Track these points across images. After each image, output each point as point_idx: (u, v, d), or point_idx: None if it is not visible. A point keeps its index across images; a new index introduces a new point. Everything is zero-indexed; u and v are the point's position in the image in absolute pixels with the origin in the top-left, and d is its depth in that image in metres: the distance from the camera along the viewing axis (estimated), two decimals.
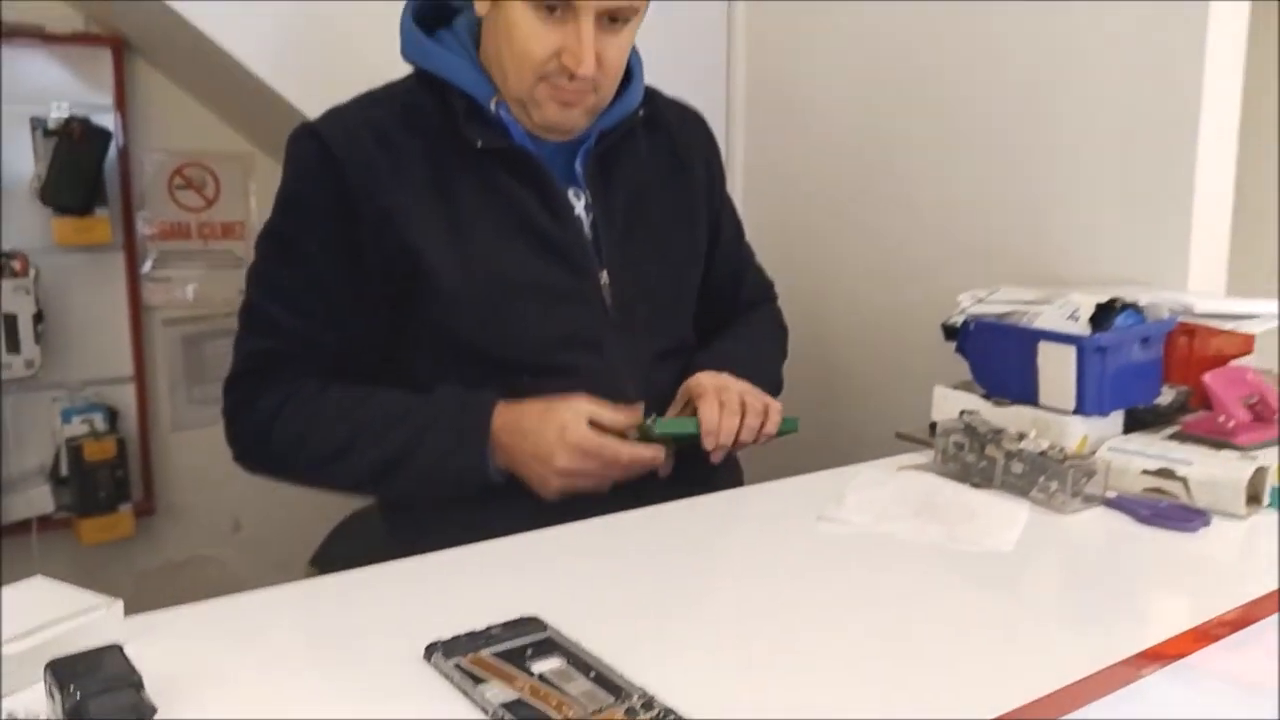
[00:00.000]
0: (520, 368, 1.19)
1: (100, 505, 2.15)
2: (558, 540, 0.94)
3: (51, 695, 0.62)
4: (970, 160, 1.68)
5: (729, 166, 2.06)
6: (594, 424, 1.12)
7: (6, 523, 2.14)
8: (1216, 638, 0.75)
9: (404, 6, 1.25)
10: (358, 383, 1.20)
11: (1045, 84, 1.56)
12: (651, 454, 1.13)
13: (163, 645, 0.70)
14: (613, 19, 1.13)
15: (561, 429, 1.11)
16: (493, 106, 1.19)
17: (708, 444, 1.15)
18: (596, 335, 1.22)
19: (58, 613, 0.69)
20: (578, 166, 1.24)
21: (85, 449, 2.13)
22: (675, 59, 1.84)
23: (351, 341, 1.21)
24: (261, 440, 1.20)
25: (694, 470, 1.18)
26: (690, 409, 1.19)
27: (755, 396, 1.21)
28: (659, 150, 1.32)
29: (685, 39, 2.03)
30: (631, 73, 1.26)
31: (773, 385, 1.35)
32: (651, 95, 1.32)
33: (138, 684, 0.62)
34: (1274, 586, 0.83)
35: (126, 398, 2.26)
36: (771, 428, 1.20)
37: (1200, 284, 1.42)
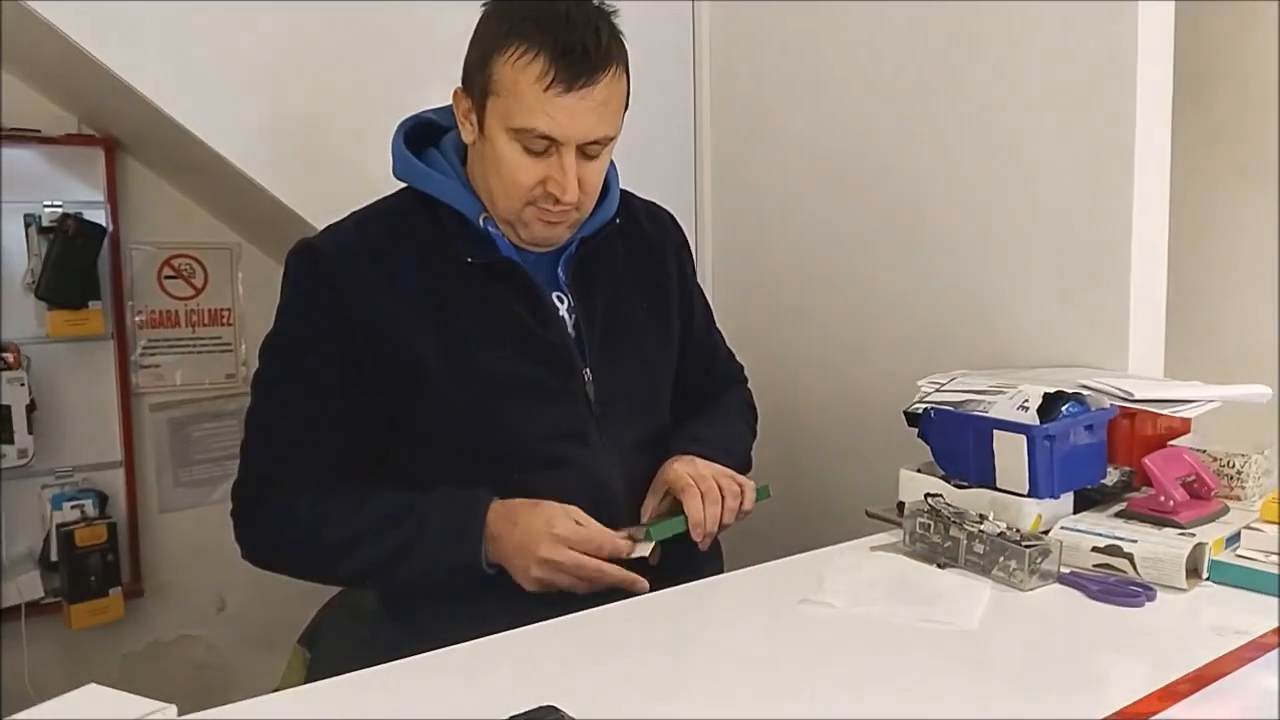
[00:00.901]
0: (511, 461, 1.26)
1: (91, 590, 2.18)
2: (558, 632, 1.01)
3: None
4: (924, 251, 1.80)
5: (700, 255, 2.18)
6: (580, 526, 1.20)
7: None
8: (1177, 698, 0.84)
9: (395, 129, 1.34)
10: (359, 483, 1.28)
11: (990, 180, 1.68)
12: (626, 577, 1.19)
13: None
14: (590, 150, 1.24)
15: (549, 521, 1.19)
16: (481, 222, 1.29)
17: (696, 536, 1.25)
18: (582, 429, 1.30)
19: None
20: (560, 272, 1.34)
21: (77, 535, 2.17)
22: (649, 155, 1.97)
23: (353, 444, 1.28)
24: (269, 541, 1.28)
25: (679, 556, 1.25)
26: (670, 500, 1.29)
27: (728, 478, 1.30)
28: (634, 250, 1.42)
29: (658, 136, 2.15)
30: (608, 184, 1.36)
31: (743, 463, 1.44)
32: (627, 199, 1.43)
33: None
34: (1220, 653, 0.93)
35: (116, 482, 2.30)
36: (748, 504, 1.31)
37: (1139, 365, 1.54)
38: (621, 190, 1.42)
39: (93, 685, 0.81)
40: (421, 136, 1.36)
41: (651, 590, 1.17)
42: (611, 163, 1.36)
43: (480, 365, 1.26)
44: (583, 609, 1.07)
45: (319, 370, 1.26)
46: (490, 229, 1.30)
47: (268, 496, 1.27)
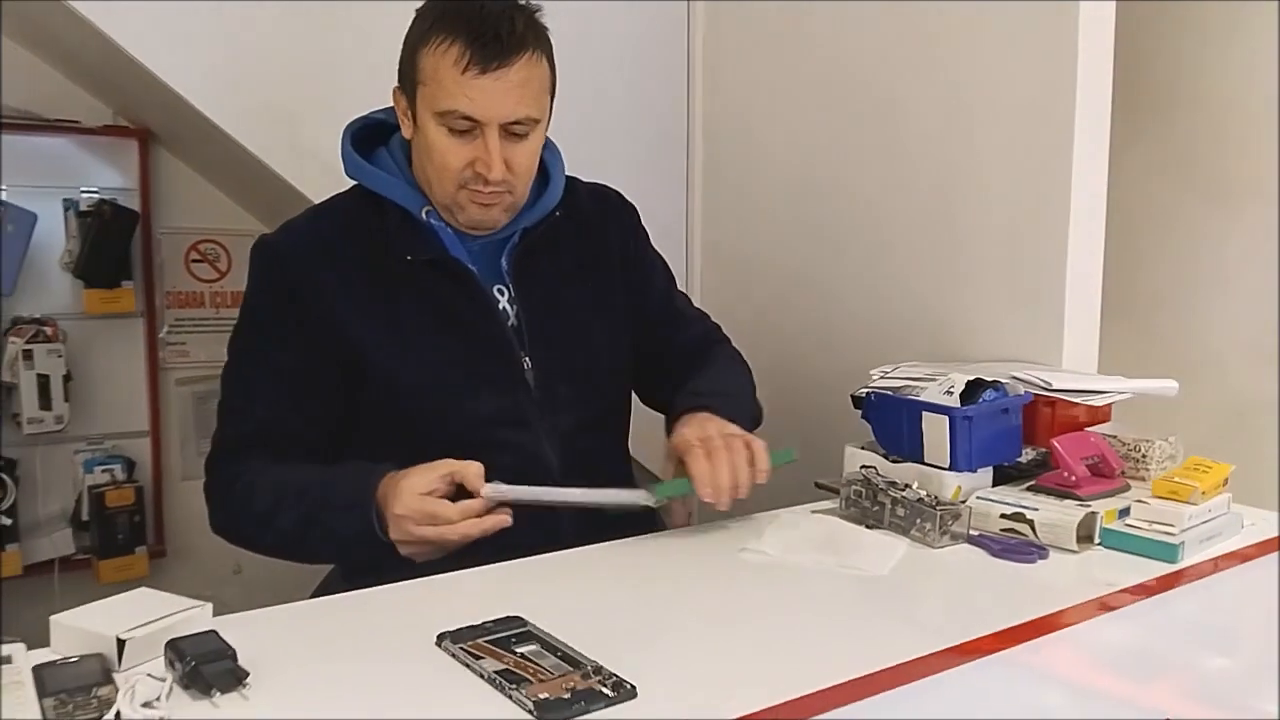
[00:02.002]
0: (453, 447, 1.27)
1: (119, 547, 2.37)
2: (536, 566, 1.18)
3: (172, 665, 0.86)
4: (886, 253, 1.97)
5: (689, 252, 2.36)
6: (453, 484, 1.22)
7: (30, 563, 2.36)
8: (1021, 639, 1.01)
9: (344, 129, 1.43)
10: (304, 462, 1.34)
11: (947, 192, 1.85)
12: (485, 528, 1.20)
13: (238, 634, 0.94)
14: (516, 130, 1.32)
15: (395, 501, 1.20)
16: (424, 215, 1.38)
17: (705, 495, 1.25)
18: (522, 414, 1.37)
19: (164, 610, 0.94)
20: (504, 262, 1.42)
21: (107, 496, 2.36)
22: (643, 159, 2.14)
23: (311, 427, 1.36)
24: (222, 512, 1.37)
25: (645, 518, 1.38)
26: (679, 464, 1.30)
27: (734, 436, 1.30)
28: (578, 236, 1.49)
29: (651, 144, 2.33)
30: (549, 175, 1.45)
31: (751, 415, 1.48)
32: (572, 185, 1.50)
33: (233, 656, 0.87)
34: (1083, 600, 1.10)
35: (143, 450, 2.50)
36: (761, 463, 1.28)
37: (1074, 361, 1.70)
38: (568, 177, 1.49)
39: (144, 588, 0.99)
40: (372, 136, 1.44)
41: (586, 539, 1.27)
42: (556, 153, 1.47)
43: (422, 356, 1.35)
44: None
45: (277, 357, 1.35)
46: (433, 221, 1.38)
47: (227, 473, 1.35)
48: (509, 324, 1.41)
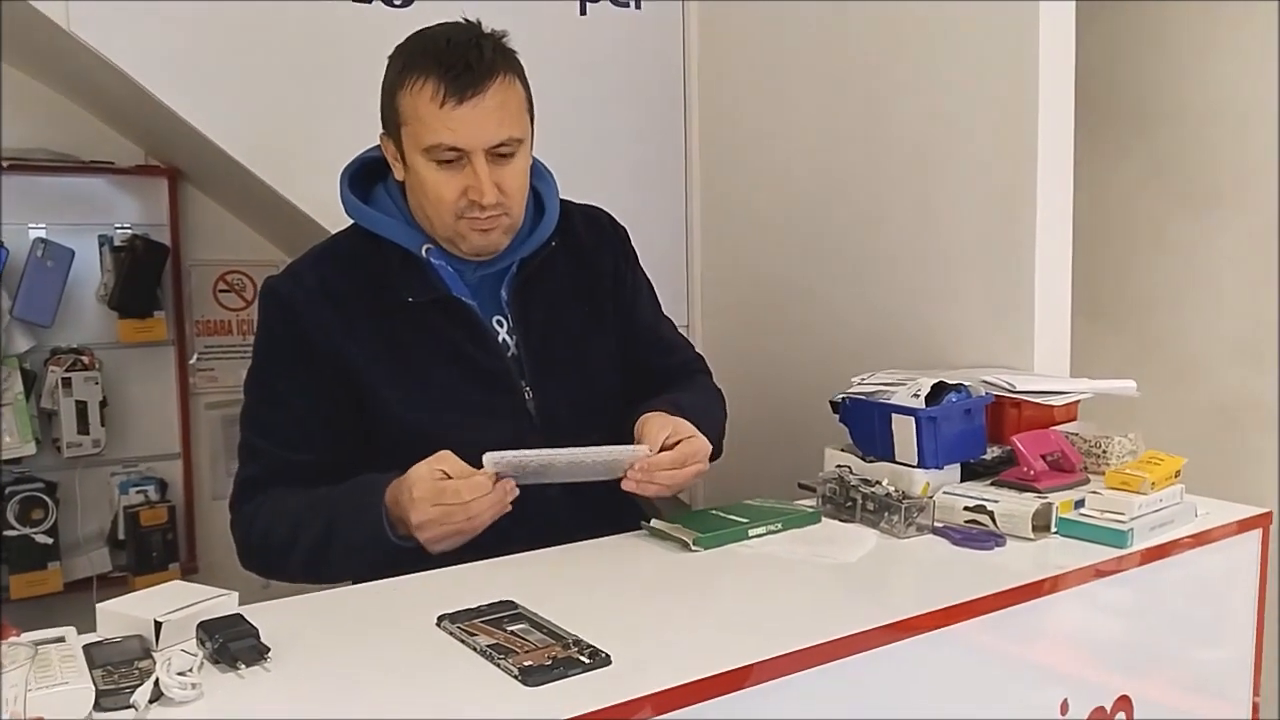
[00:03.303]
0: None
1: (153, 565, 2.50)
2: (531, 559, 1.30)
3: (202, 643, 0.98)
4: (870, 266, 2.09)
5: (689, 270, 2.47)
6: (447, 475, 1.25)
7: (70, 580, 2.49)
8: (966, 615, 1.11)
9: (341, 172, 1.48)
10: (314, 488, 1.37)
11: (925, 207, 1.96)
12: (490, 482, 1.25)
13: (261, 619, 1.05)
14: (501, 152, 1.36)
15: (410, 488, 1.25)
16: (424, 253, 1.43)
17: (636, 464, 1.31)
18: (524, 442, 1.34)
19: (195, 598, 1.05)
20: (503, 293, 1.47)
21: (141, 516, 2.50)
22: (642, 170, 2.25)
23: (325, 458, 1.40)
24: (246, 545, 1.42)
25: (608, 509, 1.41)
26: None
27: (697, 438, 1.36)
28: (573, 262, 1.53)
29: (649, 154, 2.46)
30: (544, 202, 1.50)
31: (715, 441, 1.47)
32: (566, 210, 1.55)
33: (256, 634, 0.98)
34: (1031, 580, 1.20)
35: (174, 471, 2.63)
36: (696, 463, 1.35)
37: (1045, 365, 1.80)
38: (562, 201, 1.53)
39: (176, 581, 1.11)
40: (371, 173, 1.49)
41: (576, 539, 1.35)
42: (550, 181, 1.53)
43: (425, 393, 1.41)
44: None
45: (288, 395, 1.41)
46: (432, 260, 1.43)
47: (247, 510, 1.41)
48: (509, 355, 1.46)
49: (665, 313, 1.73)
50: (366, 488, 1.32)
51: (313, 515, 1.35)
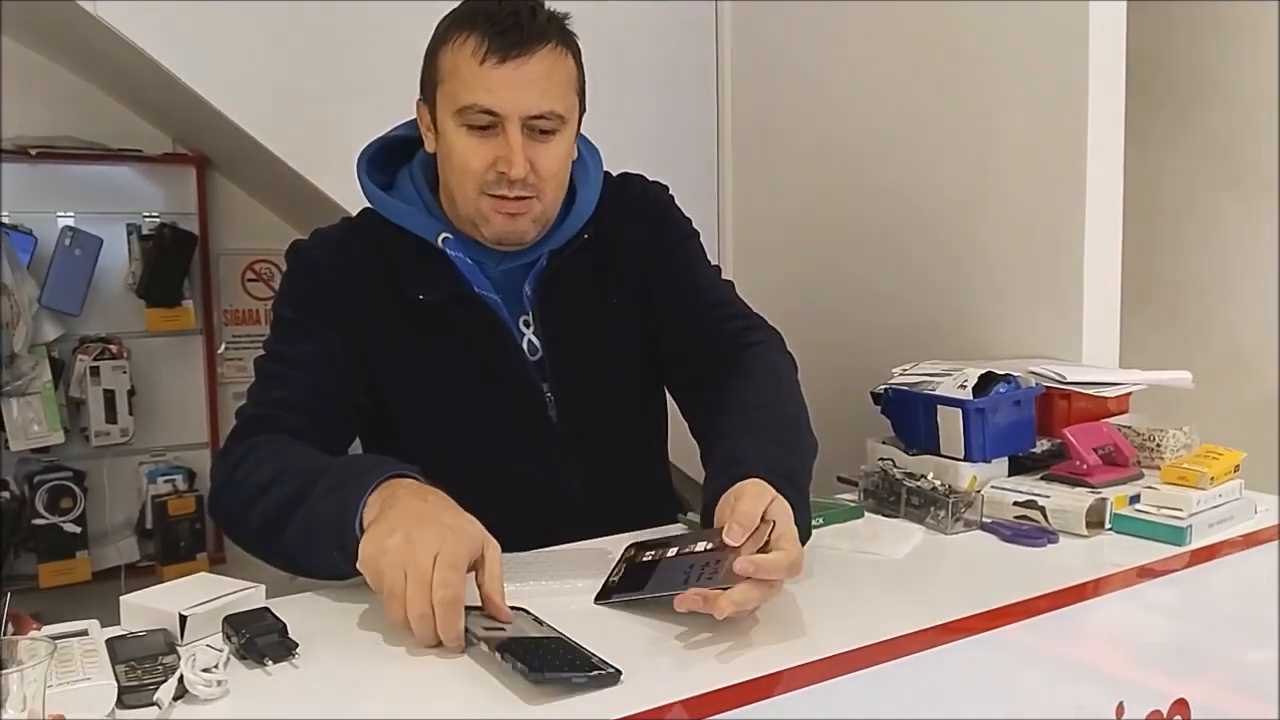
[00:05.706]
0: (473, 478, 1.15)
1: (181, 554, 2.49)
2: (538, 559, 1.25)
3: (228, 638, 0.94)
4: (911, 255, 2.03)
5: (721, 256, 2.43)
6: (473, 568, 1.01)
7: (99, 569, 2.48)
8: (1021, 616, 1.06)
9: (359, 155, 1.38)
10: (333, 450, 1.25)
11: (970, 196, 1.91)
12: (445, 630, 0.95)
13: (288, 612, 1.02)
14: (541, 130, 1.25)
15: (454, 529, 0.99)
16: (440, 242, 1.31)
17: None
18: (542, 445, 1.32)
19: (221, 590, 1.02)
20: (527, 288, 1.35)
21: (169, 505, 2.48)
22: (674, 162, 2.20)
23: (330, 408, 1.28)
24: (224, 481, 1.21)
25: (635, 503, 1.35)
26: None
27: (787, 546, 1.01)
28: (601, 250, 1.39)
29: (682, 151, 2.41)
30: (576, 193, 1.37)
31: (804, 468, 1.21)
32: (601, 196, 1.39)
33: (284, 629, 0.95)
34: (1086, 579, 1.14)
35: (202, 460, 2.61)
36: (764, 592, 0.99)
37: (1093, 356, 1.74)
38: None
39: (203, 573, 1.08)
40: (394, 155, 1.39)
41: (619, 532, 1.27)
42: (588, 169, 1.38)
43: (440, 388, 1.32)
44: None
45: (304, 346, 1.29)
46: (451, 252, 1.32)
47: (243, 447, 1.22)
48: (531, 358, 1.36)
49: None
50: (371, 465, 1.10)
51: (298, 471, 1.13)
